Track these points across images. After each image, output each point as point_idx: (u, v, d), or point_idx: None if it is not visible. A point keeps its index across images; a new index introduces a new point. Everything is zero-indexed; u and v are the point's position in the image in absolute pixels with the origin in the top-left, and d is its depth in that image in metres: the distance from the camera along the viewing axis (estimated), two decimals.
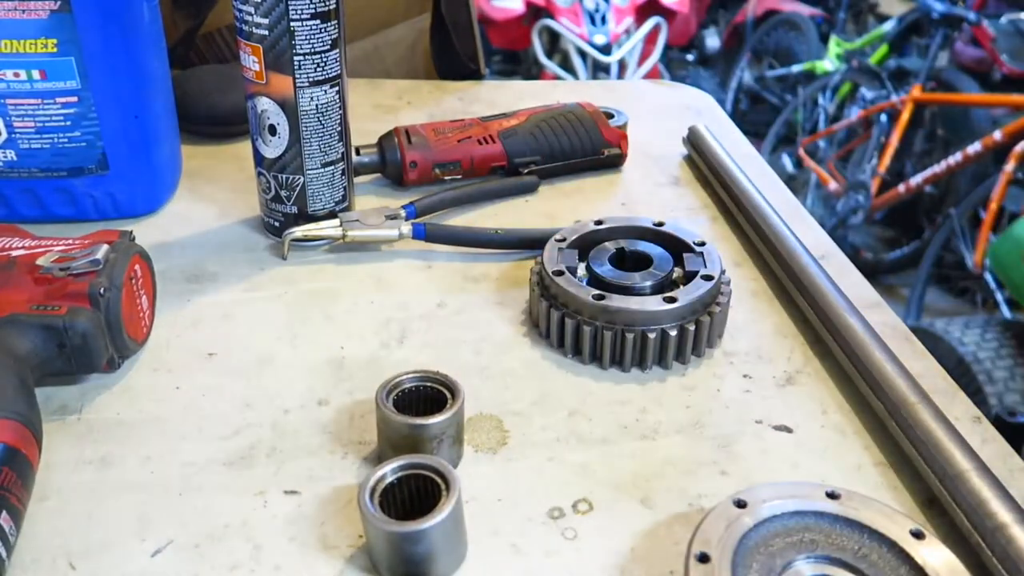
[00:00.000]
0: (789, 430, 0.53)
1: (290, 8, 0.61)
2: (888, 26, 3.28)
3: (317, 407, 0.54)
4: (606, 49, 3.35)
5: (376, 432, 0.50)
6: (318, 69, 0.64)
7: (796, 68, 3.69)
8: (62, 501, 0.46)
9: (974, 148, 2.49)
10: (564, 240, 0.63)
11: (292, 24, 0.61)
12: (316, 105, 0.65)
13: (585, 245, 0.63)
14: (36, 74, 0.65)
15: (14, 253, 0.55)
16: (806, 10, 3.81)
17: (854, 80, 3.22)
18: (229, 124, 0.88)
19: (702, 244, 0.62)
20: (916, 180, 2.72)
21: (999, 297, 2.43)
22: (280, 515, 0.46)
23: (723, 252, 0.72)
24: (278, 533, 0.45)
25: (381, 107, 0.99)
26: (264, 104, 0.65)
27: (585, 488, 0.48)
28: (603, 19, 3.39)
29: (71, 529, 0.45)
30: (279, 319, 0.62)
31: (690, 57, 4.42)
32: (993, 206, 2.35)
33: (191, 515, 0.46)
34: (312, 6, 0.61)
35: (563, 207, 0.79)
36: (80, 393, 0.54)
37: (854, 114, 3.08)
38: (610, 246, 0.63)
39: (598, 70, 3.37)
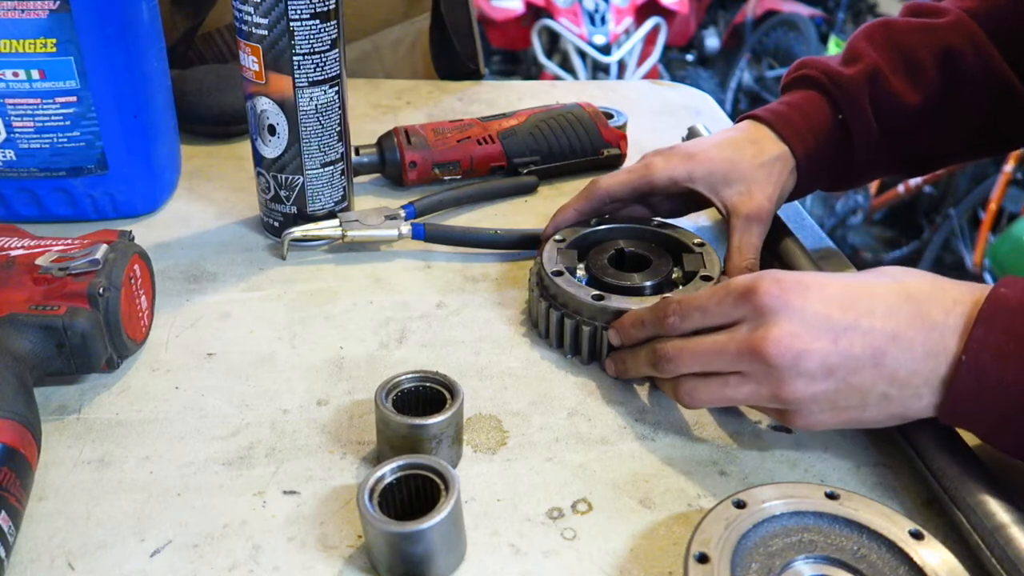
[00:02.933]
0: (788, 430, 0.53)
1: (290, 8, 0.61)
2: None
3: (316, 407, 0.54)
4: (605, 49, 3.35)
5: (375, 432, 0.50)
6: (317, 69, 0.64)
7: None
8: (61, 501, 0.46)
9: None
10: (563, 240, 0.63)
11: (292, 24, 0.61)
12: (315, 105, 0.65)
13: (584, 245, 0.63)
14: (35, 74, 0.65)
15: (13, 253, 0.55)
16: (805, 10, 3.81)
17: None
18: (228, 124, 0.88)
19: (701, 244, 0.62)
20: (915, 180, 2.72)
21: None
22: (279, 515, 0.46)
23: (722, 252, 0.72)
24: (277, 533, 0.45)
25: (380, 107, 0.99)
26: (263, 104, 0.65)
27: (584, 488, 0.48)
28: (603, 19, 3.39)
29: (70, 529, 0.45)
30: (278, 319, 0.62)
31: (690, 57, 4.42)
32: (992, 206, 2.35)
33: (190, 515, 0.46)
34: (312, 6, 0.61)
35: None
36: (79, 393, 0.54)
37: None
38: (609, 246, 0.63)
39: (598, 70, 3.37)
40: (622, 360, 0.55)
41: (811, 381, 0.45)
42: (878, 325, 0.44)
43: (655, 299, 0.56)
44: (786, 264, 0.66)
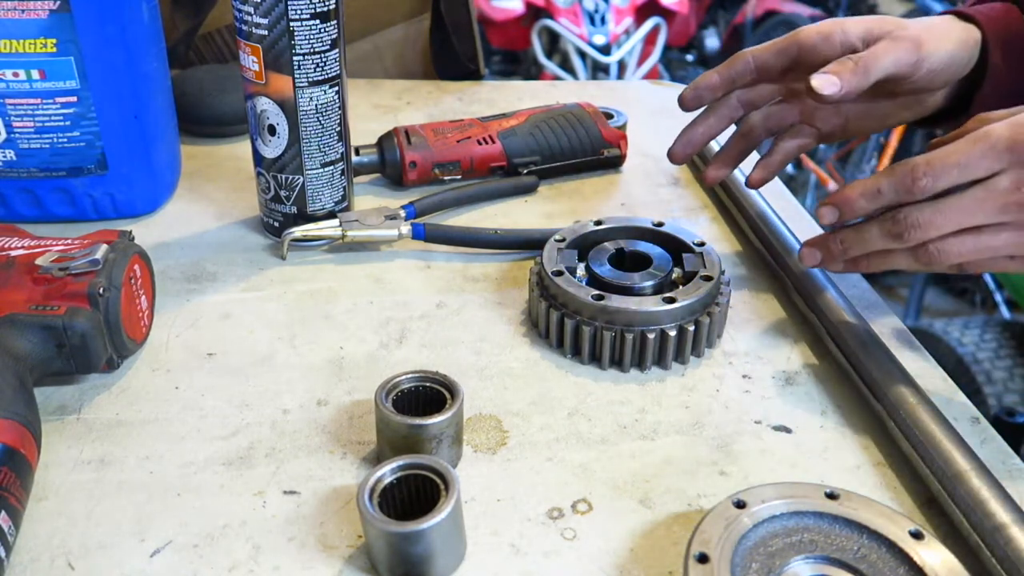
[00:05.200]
0: (788, 430, 0.53)
1: (290, 8, 0.61)
2: None
3: (316, 407, 0.54)
4: (605, 49, 3.35)
5: (375, 432, 0.50)
6: (318, 69, 0.64)
7: None
8: (61, 501, 0.46)
9: None
10: (563, 240, 0.63)
11: (292, 24, 0.61)
12: (315, 105, 0.65)
13: (584, 245, 0.63)
14: (35, 74, 0.64)
15: (13, 253, 0.55)
16: (806, 11, 3.81)
17: None
18: (228, 124, 0.88)
19: (701, 244, 0.62)
20: None
21: (998, 297, 2.43)
22: (279, 515, 0.46)
23: (722, 252, 0.72)
24: (277, 533, 0.45)
25: (381, 107, 0.99)
26: (263, 104, 0.65)
27: (584, 488, 0.48)
28: (603, 19, 3.39)
29: (70, 529, 0.45)
30: (278, 319, 0.62)
31: (690, 57, 4.42)
32: None
33: (190, 515, 0.46)
34: (312, 6, 0.61)
35: (562, 207, 0.79)
36: (79, 393, 0.54)
37: None
38: (609, 246, 0.63)
39: (598, 70, 3.37)
40: (841, 240, 0.51)
41: None
42: None
43: (655, 299, 0.56)
44: (823, 317, 0.59)
